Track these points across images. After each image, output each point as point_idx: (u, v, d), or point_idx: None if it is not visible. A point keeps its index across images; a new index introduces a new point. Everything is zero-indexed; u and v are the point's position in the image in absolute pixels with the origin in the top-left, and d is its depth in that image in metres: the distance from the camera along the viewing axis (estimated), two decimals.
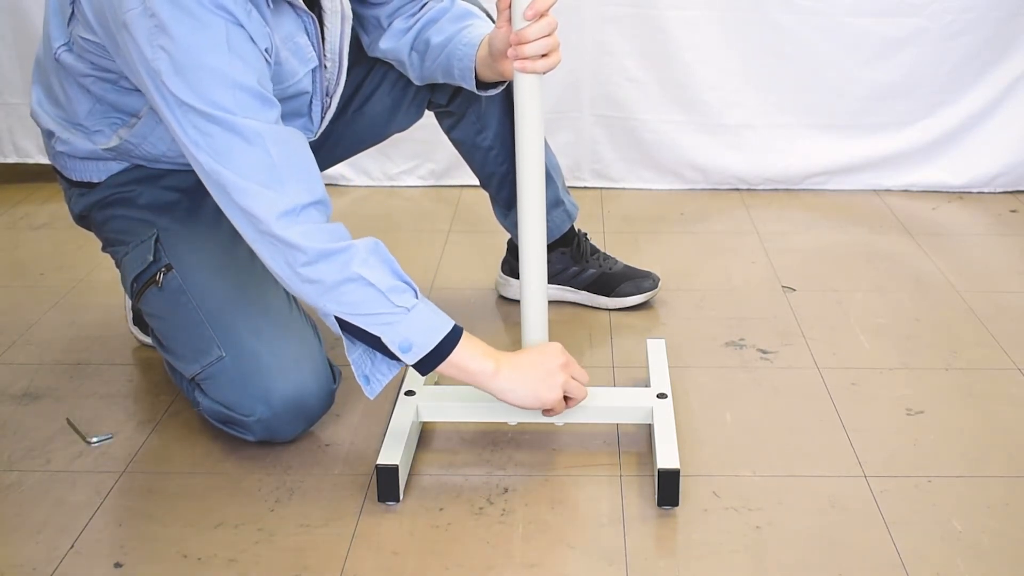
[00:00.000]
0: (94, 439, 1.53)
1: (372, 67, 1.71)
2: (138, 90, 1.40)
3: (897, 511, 1.36)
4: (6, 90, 2.57)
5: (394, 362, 1.36)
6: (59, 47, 1.44)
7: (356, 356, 1.36)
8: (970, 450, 1.50)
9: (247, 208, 1.29)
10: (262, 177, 1.29)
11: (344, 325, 1.33)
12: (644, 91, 2.51)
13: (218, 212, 1.53)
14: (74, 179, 1.57)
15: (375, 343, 1.34)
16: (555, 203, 1.85)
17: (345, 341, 1.35)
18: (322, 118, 1.54)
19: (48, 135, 1.55)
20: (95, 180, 1.56)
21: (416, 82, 1.64)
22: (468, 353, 1.37)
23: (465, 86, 1.58)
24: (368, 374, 1.37)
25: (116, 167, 1.55)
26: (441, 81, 1.61)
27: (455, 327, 1.37)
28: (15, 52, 2.52)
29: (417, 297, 1.35)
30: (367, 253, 1.33)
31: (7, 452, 1.51)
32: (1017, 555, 1.28)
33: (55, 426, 1.57)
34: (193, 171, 1.53)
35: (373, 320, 1.32)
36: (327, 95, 1.52)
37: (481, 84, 1.56)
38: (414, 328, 1.33)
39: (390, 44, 1.61)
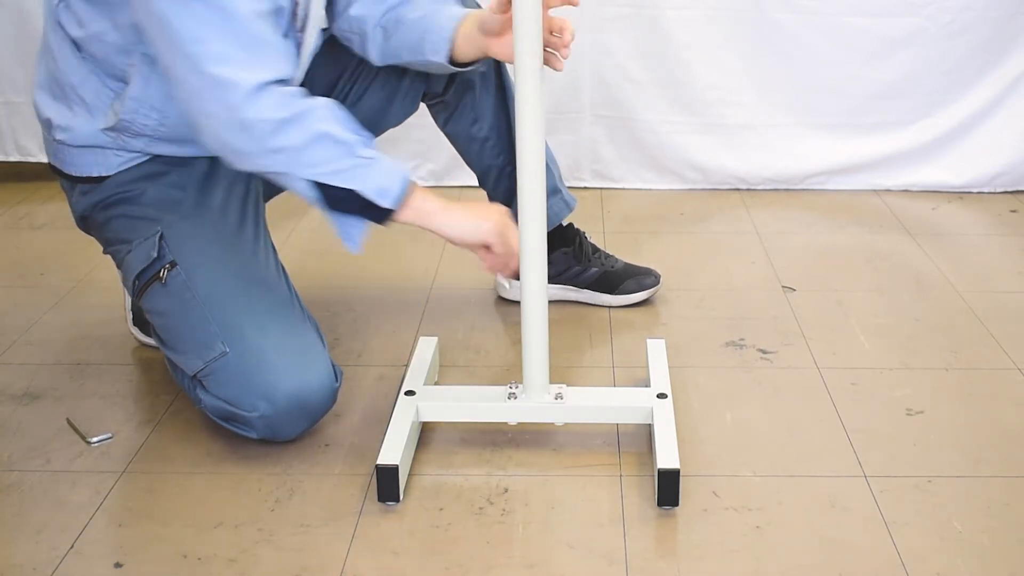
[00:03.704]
0: (94, 439, 1.53)
1: (364, 62, 1.71)
2: (125, 49, 1.43)
3: (897, 511, 1.36)
4: (8, 88, 2.57)
5: (362, 219, 1.42)
6: (56, 5, 1.45)
7: (333, 218, 1.42)
8: (970, 450, 1.50)
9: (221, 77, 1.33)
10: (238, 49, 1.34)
11: (319, 188, 1.38)
12: (644, 91, 2.51)
13: (223, 209, 1.55)
14: (75, 174, 1.57)
15: (349, 199, 1.39)
16: (552, 191, 1.85)
17: (321, 206, 1.40)
18: (298, 52, 1.53)
19: (47, 126, 1.55)
20: (95, 174, 1.55)
21: (374, 61, 1.65)
22: (425, 191, 1.44)
23: (432, 59, 1.59)
24: (343, 232, 1.44)
25: (115, 161, 1.54)
26: (405, 60, 1.63)
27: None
28: (16, 50, 2.52)
29: (375, 147, 1.40)
30: (326, 110, 1.38)
31: (7, 452, 1.51)
32: (1017, 555, 1.28)
33: (55, 426, 1.57)
34: (197, 165, 1.55)
35: (344, 176, 1.37)
36: (299, 29, 1.51)
37: (451, 61, 1.59)
38: (384, 174, 1.39)
39: (361, 11, 1.62)
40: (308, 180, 1.38)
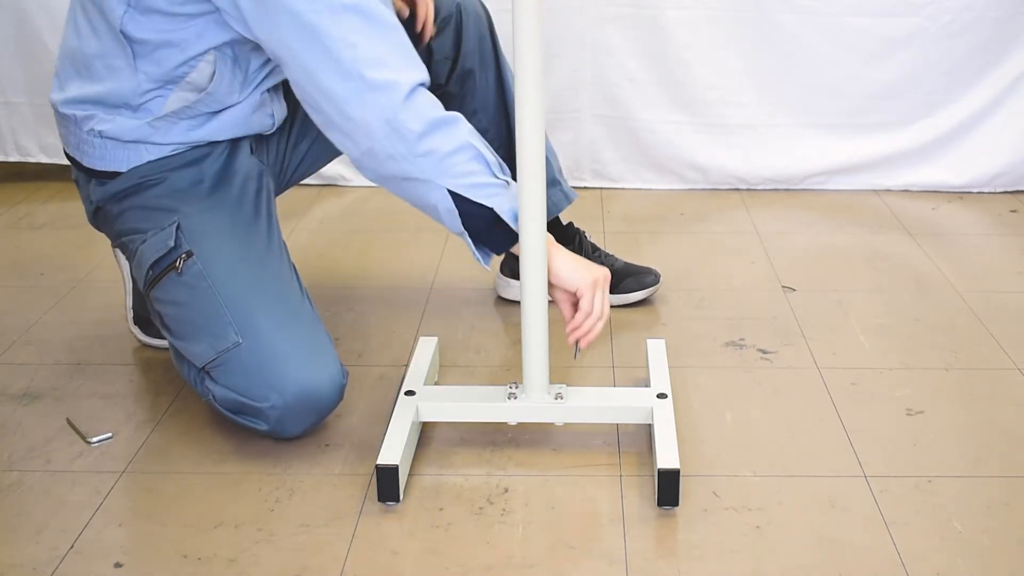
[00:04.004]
0: (94, 439, 1.53)
1: None
2: (202, 52, 1.45)
3: (897, 511, 1.36)
4: (8, 89, 2.57)
5: (488, 246, 1.46)
6: (122, 15, 1.44)
7: (464, 235, 1.44)
8: (970, 450, 1.50)
9: (381, 81, 1.36)
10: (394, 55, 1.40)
11: (456, 200, 1.40)
12: (644, 91, 2.51)
13: (238, 202, 1.56)
14: (97, 168, 1.56)
15: (480, 217, 1.41)
16: (551, 182, 1.85)
17: (452, 219, 1.42)
18: None
19: (84, 122, 1.53)
20: (122, 169, 1.55)
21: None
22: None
23: None
24: (476, 247, 1.46)
25: (145, 156, 1.54)
26: None
27: None
28: (17, 51, 2.52)
29: (508, 172, 1.44)
30: (467, 124, 1.43)
31: (7, 452, 1.51)
32: (1017, 555, 1.28)
33: (55, 426, 1.57)
34: (213, 159, 1.56)
35: (483, 192, 1.40)
36: None
37: None
38: (517, 199, 1.41)
39: None
40: (447, 190, 1.40)
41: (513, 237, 1.43)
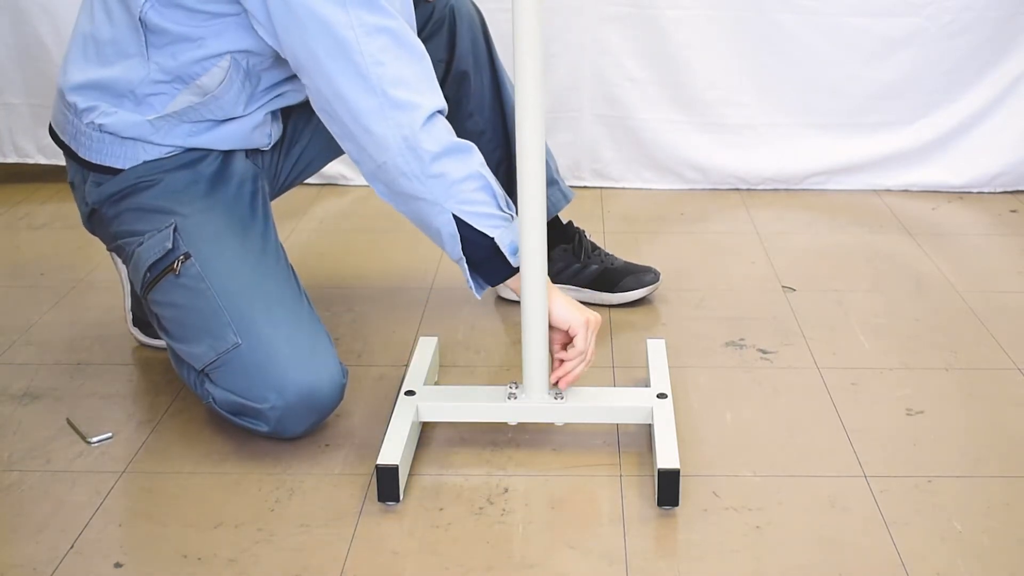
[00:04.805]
0: (94, 439, 1.53)
1: None
2: (218, 54, 1.46)
3: (897, 511, 1.36)
4: (7, 90, 2.57)
5: (477, 274, 1.48)
6: (143, 2, 1.44)
7: (462, 262, 1.46)
8: (970, 450, 1.50)
9: (405, 100, 1.39)
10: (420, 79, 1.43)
11: (460, 227, 1.42)
12: (644, 91, 2.51)
13: (234, 203, 1.56)
14: (92, 161, 1.55)
15: (481, 247, 1.43)
16: (550, 182, 1.86)
17: (454, 245, 1.44)
18: None
19: (85, 112, 1.53)
20: (118, 166, 1.55)
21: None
22: None
23: None
24: (471, 276, 1.48)
25: (142, 156, 1.54)
26: None
27: None
28: (15, 52, 2.52)
29: (514, 209, 1.46)
30: (481, 156, 1.45)
31: (7, 452, 1.51)
32: (1017, 555, 1.28)
33: (55, 426, 1.57)
34: (208, 162, 1.57)
35: (487, 222, 1.42)
36: None
37: None
38: (518, 234, 1.43)
39: None
40: (452, 215, 1.42)
41: (510, 271, 1.45)
